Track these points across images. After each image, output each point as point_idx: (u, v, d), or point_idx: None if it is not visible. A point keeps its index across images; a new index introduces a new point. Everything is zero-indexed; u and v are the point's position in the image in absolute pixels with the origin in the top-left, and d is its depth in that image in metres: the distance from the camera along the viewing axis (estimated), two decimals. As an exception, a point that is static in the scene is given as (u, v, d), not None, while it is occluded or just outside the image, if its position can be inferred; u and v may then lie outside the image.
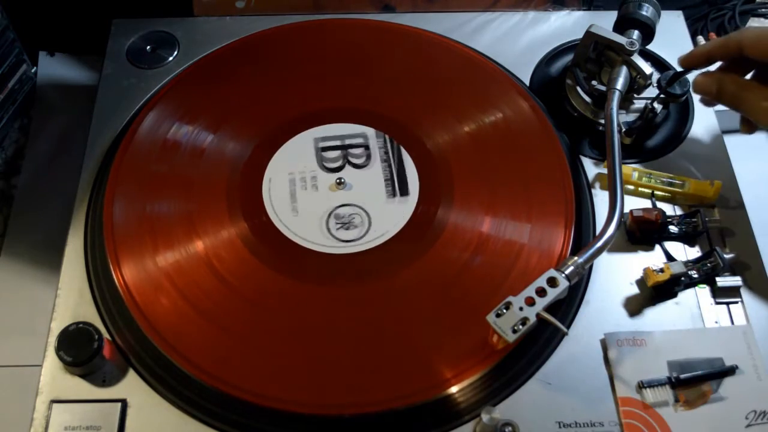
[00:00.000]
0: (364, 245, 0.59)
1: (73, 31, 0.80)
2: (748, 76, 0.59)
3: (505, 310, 0.52)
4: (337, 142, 0.65)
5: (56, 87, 0.78)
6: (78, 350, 0.53)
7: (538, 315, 0.51)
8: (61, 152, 0.74)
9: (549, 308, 0.52)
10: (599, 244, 0.54)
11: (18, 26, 0.74)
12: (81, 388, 0.54)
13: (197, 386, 0.53)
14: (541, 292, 0.52)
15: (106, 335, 0.55)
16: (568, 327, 0.57)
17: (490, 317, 0.52)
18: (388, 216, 0.61)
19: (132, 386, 0.54)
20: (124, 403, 0.53)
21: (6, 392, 0.61)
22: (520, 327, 0.51)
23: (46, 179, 0.72)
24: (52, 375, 0.54)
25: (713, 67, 0.61)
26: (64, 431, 0.52)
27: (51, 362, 0.54)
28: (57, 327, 0.55)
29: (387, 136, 0.65)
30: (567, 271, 0.53)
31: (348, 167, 0.64)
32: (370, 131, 0.65)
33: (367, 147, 0.65)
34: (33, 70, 0.78)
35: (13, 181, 0.73)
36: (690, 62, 0.61)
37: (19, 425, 0.55)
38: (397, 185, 0.63)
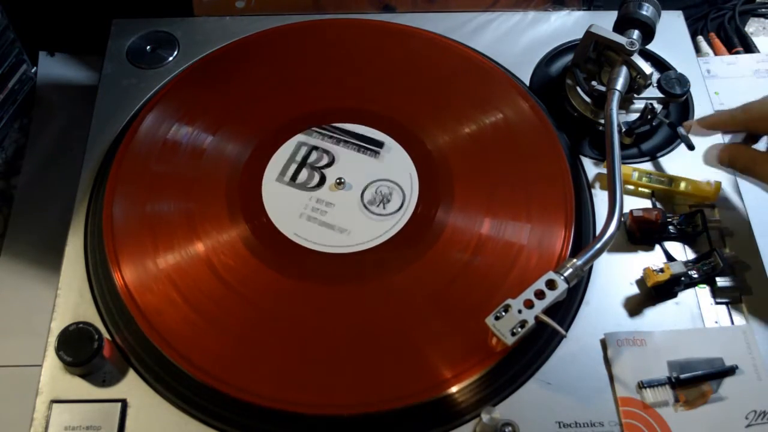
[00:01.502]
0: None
1: (73, 31, 0.80)
2: (762, 144, 0.60)
3: (504, 313, 0.52)
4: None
5: (56, 87, 0.78)
6: (78, 350, 0.53)
7: (536, 318, 0.51)
8: (61, 152, 0.74)
9: (549, 309, 0.52)
10: (598, 245, 0.54)
11: (18, 26, 0.74)
12: (81, 388, 0.54)
13: (197, 386, 0.53)
14: (539, 294, 0.52)
15: (106, 335, 0.55)
16: (568, 327, 0.57)
17: (489, 320, 0.52)
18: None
19: (132, 386, 0.54)
20: (124, 403, 0.53)
21: (6, 392, 0.61)
22: (519, 330, 0.51)
23: (46, 179, 0.72)
24: (52, 375, 0.54)
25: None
26: (64, 431, 0.52)
27: (51, 362, 0.54)
28: (57, 327, 0.55)
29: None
30: (566, 274, 0.53)
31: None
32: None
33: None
34: (33, 70, 0.78)
35: (13, 181, 0.73)
36: (706, 130, 0.63)
37: (19, 425, 0.55)
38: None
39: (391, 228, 0.60)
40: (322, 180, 0.63)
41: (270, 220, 0.61)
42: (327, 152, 0.64)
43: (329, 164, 0.64)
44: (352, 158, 0.64)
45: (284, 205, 0.61)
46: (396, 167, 0.64)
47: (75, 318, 0.56)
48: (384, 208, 0.61)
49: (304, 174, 0.63)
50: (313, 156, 0.64)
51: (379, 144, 0.64)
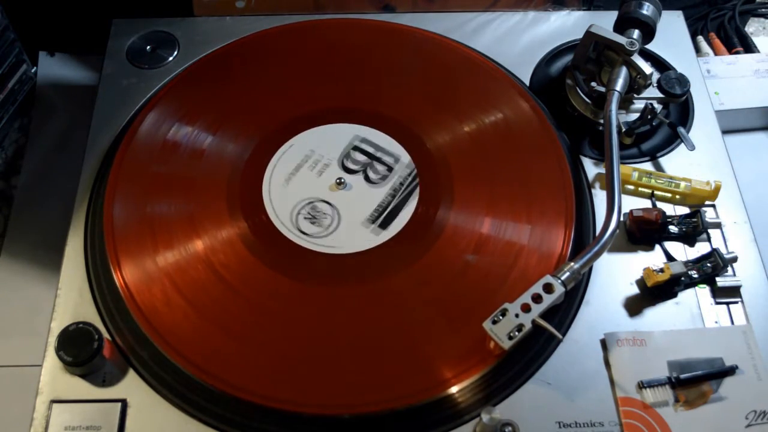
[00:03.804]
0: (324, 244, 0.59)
1: (73, 31, 0.80)
2: None
3: (501, 317, 0.52)
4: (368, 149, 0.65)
5: (56, 87, 0.78)
6: (78, 350, 0.53)
7: (533, 322, 0.51)
8: (61, 152, 0.74)
9: (548, 310, 0.52)
10: (596, 248, 0.54)
11: (18, 26, 0.74)
12: (81, 388, 0.54)
13: (197, 386, 0.53)
14: (537, 298, 0.52)
15: (106, 335, 0.55)
16: (568, 327, 0.57)
17: (487, 324, 0.52)
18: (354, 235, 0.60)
19: (132, 386, 0.54)
20: (124, 403, 0.53)
21: (6, 392, 0.61)
22: (516, 334, 0.51)
23: (46, 179, 0.72)
24: (52, 375, 0.54)
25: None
26: (64, 431, 0.52)
27: (51, 362, 0.54)
28: (57, 327, 0.55)
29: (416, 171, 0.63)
30: (563, 277, 0.53)
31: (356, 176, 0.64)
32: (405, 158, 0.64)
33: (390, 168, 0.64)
34: (33, 70, 0.78)
35: (13, 181, 0.73)
36: None
37: (19, 425, 0.55)
38: (383, 217, 0.61)
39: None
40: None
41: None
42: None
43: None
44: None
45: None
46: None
47: (75, 318, 0.56)
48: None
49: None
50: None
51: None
